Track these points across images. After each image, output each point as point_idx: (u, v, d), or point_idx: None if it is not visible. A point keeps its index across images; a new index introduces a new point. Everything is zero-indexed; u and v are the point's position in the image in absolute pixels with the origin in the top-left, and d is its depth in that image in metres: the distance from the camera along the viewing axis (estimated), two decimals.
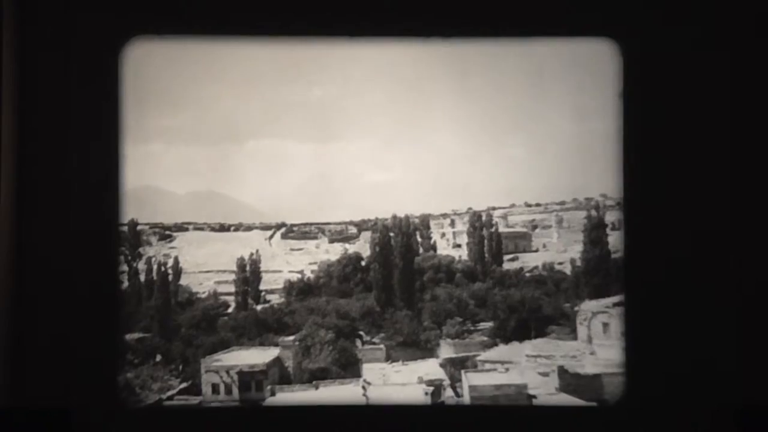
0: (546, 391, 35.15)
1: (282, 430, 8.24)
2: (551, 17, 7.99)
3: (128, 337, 47.86)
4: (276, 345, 49.60)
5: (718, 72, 7.93)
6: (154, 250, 78.95)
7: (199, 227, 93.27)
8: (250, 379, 44.46)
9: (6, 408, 7.70)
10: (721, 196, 7.87)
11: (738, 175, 7.95)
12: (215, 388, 44.18)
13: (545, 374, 38.06)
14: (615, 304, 42.42)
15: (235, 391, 43.82)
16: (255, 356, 47.11)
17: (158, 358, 50.37)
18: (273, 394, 39.21)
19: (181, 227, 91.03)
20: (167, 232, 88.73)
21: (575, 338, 45.37)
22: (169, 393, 45.12)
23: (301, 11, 8.23)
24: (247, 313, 62.41)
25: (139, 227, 70.16)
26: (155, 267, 62.25)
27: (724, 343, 7.88)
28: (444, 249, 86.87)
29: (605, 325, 42.12)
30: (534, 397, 33.84)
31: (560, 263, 73.84)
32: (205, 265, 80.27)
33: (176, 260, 67.25)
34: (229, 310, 67.34)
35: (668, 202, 8.03)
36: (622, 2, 7.91)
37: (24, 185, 8.05)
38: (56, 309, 7.89)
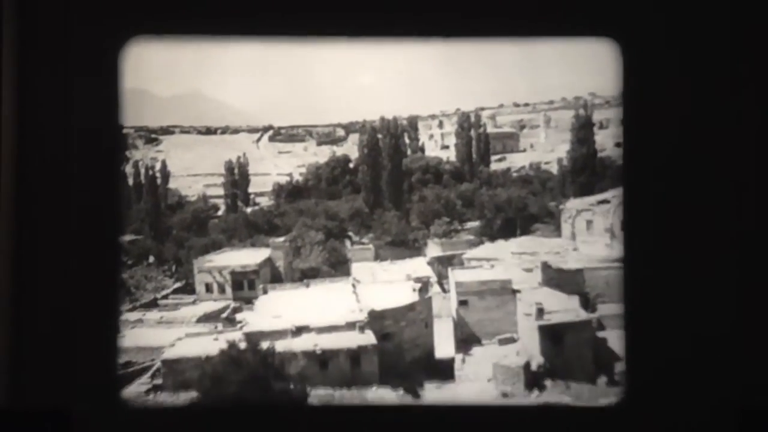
0: (530, 286, 36.32)
1: (281, 429, 8.56)
2: (553, 17, 7.97)
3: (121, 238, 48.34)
4: (267, 246, 50.42)
5: (717, 70, 8.00)
6: (141, 154, 78.47)
7: (185, 130, 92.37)
8: (242, 278, 45.47)
9: (6, 409, 7.71)
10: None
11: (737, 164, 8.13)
12: (209, 288, 45.22)
13: (529, 270, 39.15)
14: (599, 202, 43.17)
15: (228, 290, 44.91)
16: (246, 257, 48.00)
17: (151, 259, 51.21)
18: (265, 292, 40.18)
19: (167, 130, 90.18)
20: (153, 136, 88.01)
21: (559, 235, 46.42)
22: (164, 292, 46.22)
23: (299, 11, 8.14)
24: (237, 215, 63.06)
25: (124, 131, 69.49)
26: (143, 171, 62.21)
27: (725, 345, 8.10)
28: (432, 150, 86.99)
29: (589, 222, 42.99)
30: (518, 291, 35.03)
31: (547, 163, 74.36)
32: (193, 169, 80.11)
33: (164, 164, 67.11)
34: (219, 212, 67.99)
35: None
36: (623, 3, 7.94)
37: (25, 199, 8.14)
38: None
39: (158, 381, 28.95)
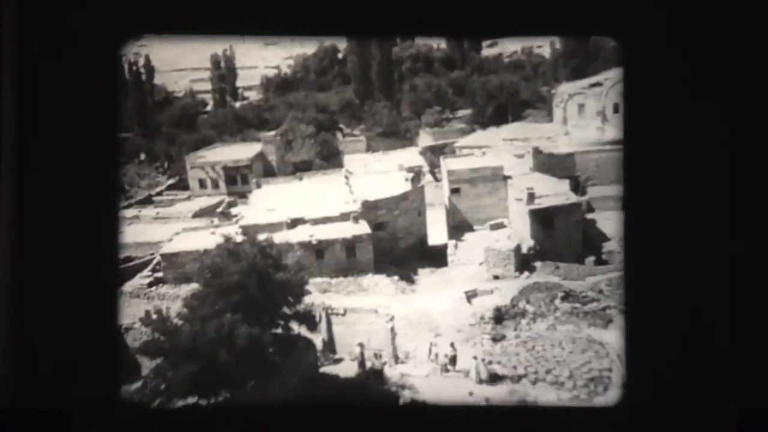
0: (521, 172, 36.55)
1: (279, 430, 8.78)
2: (555, 16, 8.08)
3: None
4: (258, 140, 50.20)
5: (717, 71, 7.95)
6: (123, 50, 76.11)
7: None
8: (235, 173, 45.60)
9: (6, 409, 7.90)
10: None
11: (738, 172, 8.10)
12: (202, 183, 45.43)
13: (520, 156, 39.28)
14: (592, 85, 42.71)
15: (222, 185, 45.14)
16: (238, 152, 47.93)
17: (142, 156, 51.08)
18: (259, 186, 40.37)
19: None
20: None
21: (551, 120, 46.23)
22: (158, 189, 46.45)
23: (297, 11, 8.05)
24: (226, 110, 62.25)
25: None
26: (126, 66, 60.70)
27: (724, 346, 8.15)
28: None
29: (581, 106, 42.69)
30: (509, 177, 35.27)
31: (539, 47, 72.81)
32: (178, 63, 78.18)
33: (147, 59, 65.46)
34: (208, 107, 67.12)
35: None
36: (625, 2, 8.05)
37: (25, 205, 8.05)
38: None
39: (159, 274, 29.72)
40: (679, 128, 8.48)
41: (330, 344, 22.18)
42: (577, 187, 35.98)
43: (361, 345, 20.94)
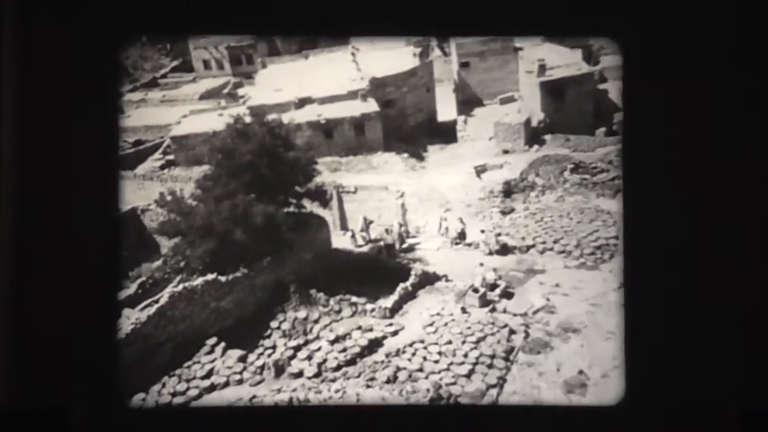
0: (532, 43, 35.31)
1: (279, 430, 8.84)
2: (554, 16, 8.11)
3: None
4: None
5: (717, 68, 7.96)
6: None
7: None
8: (239, 53, 44.67)
9: (6, 409, 7.90)
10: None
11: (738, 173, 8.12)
12: (206, 64, 44.63)
13: None
14: None
15: (227, 65, 44.35)
16: None
17: (144, 38, 49.87)
18: (264, 66, 39.60)
19: None
20: None
21: None
22: (162, 71, 45.72)
23: (296, 11, 8.09)
24: None
25: None
26: None
27: (725, 345, 7.95)
28: None
29: None
30: (520, 49, 34.29)
31: None
32: None
33: None
34: None
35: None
36: (623, 3, 8.08)
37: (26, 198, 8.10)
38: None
39: (170, 157, 29.92)
40: (680, 128, 8.67)
41: (342, 221, 22.63)
42: (590, 57, 35.05)
43: (399, 224, 21.51)
